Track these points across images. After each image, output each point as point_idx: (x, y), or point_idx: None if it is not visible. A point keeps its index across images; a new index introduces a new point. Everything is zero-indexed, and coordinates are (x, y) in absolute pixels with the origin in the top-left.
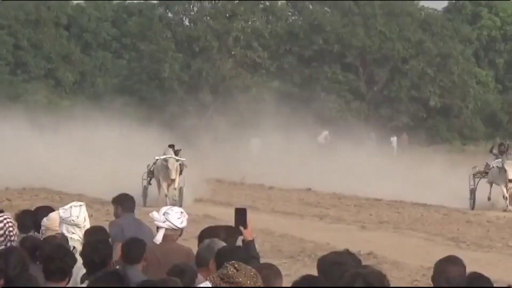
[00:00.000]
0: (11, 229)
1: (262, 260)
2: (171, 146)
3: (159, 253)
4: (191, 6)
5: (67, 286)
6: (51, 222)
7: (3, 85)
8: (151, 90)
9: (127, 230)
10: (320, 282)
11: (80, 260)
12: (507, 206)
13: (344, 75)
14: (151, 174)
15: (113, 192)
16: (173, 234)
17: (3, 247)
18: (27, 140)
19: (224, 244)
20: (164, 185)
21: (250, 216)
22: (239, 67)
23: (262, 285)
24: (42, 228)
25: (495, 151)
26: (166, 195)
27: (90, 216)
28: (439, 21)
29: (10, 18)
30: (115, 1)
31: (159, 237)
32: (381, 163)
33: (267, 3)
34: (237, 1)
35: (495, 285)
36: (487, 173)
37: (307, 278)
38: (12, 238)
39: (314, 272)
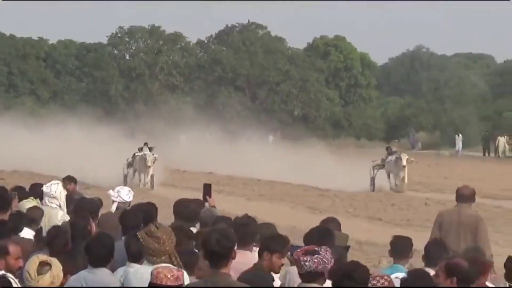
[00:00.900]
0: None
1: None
2: (146, 143)
3: (114, 218)
4: (130, 45)
5: None
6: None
7: (0, 99)
8: (102, 103)
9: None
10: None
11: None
12: (396, 186)
13: (236, 94)
14: (130, 165)
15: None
16: (123, 206)
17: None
18: (17, 136)
19: (216, 210)
20: (141, 174)
21: (168, 191)
22: (163, 88)
23: (174, 241)
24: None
25: (388, 153)
26: (140, 181)
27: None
28: (301, 56)
29: (5, 53)
30: (78, 42)
31: (113, 208)
32: (263, 153)
33: (183, 43)
34: (162, 42)
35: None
36: (383, 165)
37: None
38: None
39: None
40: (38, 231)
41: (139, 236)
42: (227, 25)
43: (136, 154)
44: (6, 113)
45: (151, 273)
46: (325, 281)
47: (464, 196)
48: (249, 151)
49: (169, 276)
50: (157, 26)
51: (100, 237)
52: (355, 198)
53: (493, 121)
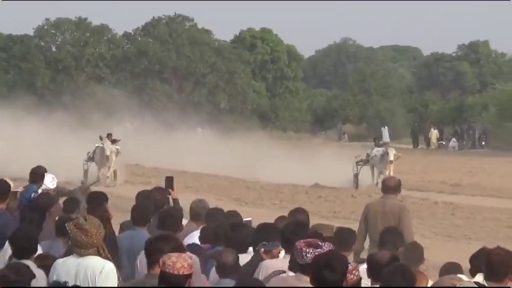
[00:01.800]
0: None
1: None
2: (109, 134)
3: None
4: (57, 37)
5: None
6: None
7: None
8: (29, 95)
9: None
10: None
11: None
12: (378, 184)
13: (162, 86)
14: (91, 159)
15: None
16: (48, 191)
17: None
18: None
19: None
20: (101, 168)
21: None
22: (90, 79)
23: (103, 234)
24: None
25: (375, 144)
26: (101, 176)
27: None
28: (227, 48)
29: None
30: (5, 34)
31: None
32: (190, 145)
33: (109, 36)
34: (88, 34)
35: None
36: (368, 161)
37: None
38: None
39: None
40: None
41: (67, 228)
42: (153, 17)
43: (97, 145)
44: None
45: (163, 263)
46: None
47: (390, 187)
48: (176, 143)
49: (185, 265)
50: (83, 18)
51: (23, 229)
52: (281, 190)
53: (420, 113)
